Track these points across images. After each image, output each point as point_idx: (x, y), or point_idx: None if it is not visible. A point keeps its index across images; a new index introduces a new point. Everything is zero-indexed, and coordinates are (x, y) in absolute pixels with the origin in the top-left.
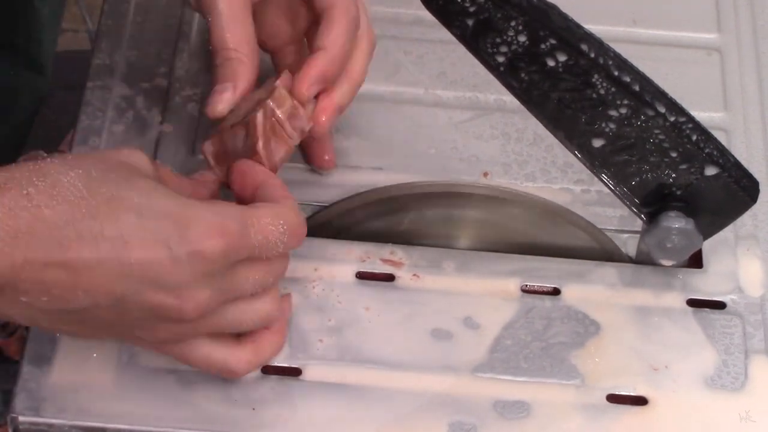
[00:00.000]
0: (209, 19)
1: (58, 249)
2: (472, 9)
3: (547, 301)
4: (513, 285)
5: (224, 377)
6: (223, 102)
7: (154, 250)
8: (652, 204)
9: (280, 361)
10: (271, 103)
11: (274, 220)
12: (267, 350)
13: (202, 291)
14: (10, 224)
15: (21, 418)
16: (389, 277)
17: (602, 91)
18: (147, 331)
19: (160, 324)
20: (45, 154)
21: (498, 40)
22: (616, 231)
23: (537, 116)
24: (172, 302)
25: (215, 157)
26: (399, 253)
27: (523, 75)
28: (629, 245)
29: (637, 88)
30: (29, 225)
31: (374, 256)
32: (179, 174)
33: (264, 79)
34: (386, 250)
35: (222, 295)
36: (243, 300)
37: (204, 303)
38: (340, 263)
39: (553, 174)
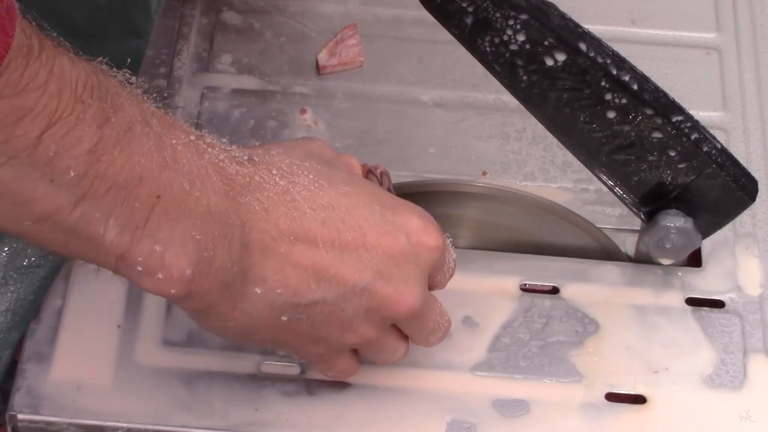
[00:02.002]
0: None
1: (306, 230)
2: (470, 8)
3: (546, 300)
4: (512, 284)
5: (433, 342)
6: None
7: (388, 240)
8: (651, 203)
9: (281, 361)
10: None
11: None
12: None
13: (419, 288)
14: (262, 196)
15: (20, 416)
16: None
17: (601, 91)
18: (349, 333)
19: (366, 322)
20: None
21: (497, 39)
22: (615, 230)
23: (536, 115)
24: (394, 296)
25: None
26: None
27: (521, 74)
28: (628, 244)
29: (635, 87)
30: (279, 202)
31: None
32: None
33: None
34: None
35: (426, 303)
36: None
37: (418, 302)
38: None
39: (552, 173)
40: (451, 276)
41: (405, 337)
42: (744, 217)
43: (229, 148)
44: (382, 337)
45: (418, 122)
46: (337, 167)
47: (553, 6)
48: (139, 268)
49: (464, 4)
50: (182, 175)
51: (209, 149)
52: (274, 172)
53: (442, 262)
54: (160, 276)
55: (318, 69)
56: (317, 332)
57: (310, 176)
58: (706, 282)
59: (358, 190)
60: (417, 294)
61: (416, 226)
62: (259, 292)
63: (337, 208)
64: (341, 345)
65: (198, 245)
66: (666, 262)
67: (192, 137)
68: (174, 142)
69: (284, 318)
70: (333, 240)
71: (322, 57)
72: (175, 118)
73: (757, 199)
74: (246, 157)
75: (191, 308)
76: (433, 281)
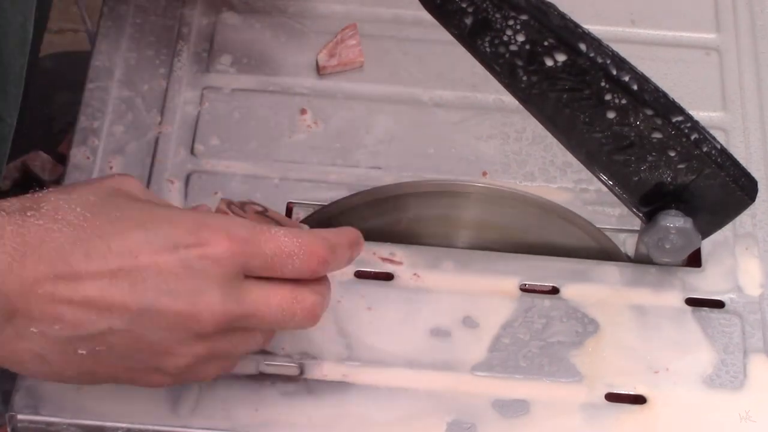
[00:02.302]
0: None
1: (68, 266)
2: (470, 9)
3: (546, 300)
4: (512, 284)
5: (304, 324)
6: None
7: (163, 257)
8: (651, 203)
9: (280, 361)
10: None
11: (288, 234)
12: (327, 288)
13: (215, 298)
14: (17, 242)
15: (20, 417)
16: (388, 277)
17: (601, 91)
18: (167, 357)
19: (177, 342)
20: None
21: (496, 39)
22: (615, 230)
23: (536, 116)
24: (188, 310)
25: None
26: (398, 252)
27: (521, 75)
28: (628, 244)
29: (635, 87)
30: (37, 245)
31: (373, 256)
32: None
33: None
34: (385, 250)
35: (239, 307)
36: (266, 331)
37: (219, 310)
38: None
39: (552, 173)
40: (305, 260)
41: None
42: (744, 218)
43: None
44: (219, 348)
45: (418, 122)
46: (123, 198)
47: (552, 6)
48: None
49: (464, 5)
50: None
51: None
52: (30, 215)
53: (247, 258)
54: None
55: (318, 69)
56: (131, 362)
57: (77, 210)
58: (706, 282)
59: (132, 213)
60: (214, 304)
61: (195, 239)
62: (35, 331)
63: (104, 236)
64: (176, 368)
65: None
66: (666, 262)
67: None
68: None
69: (81, 351)
70: (100, 269)
71: (322, 57)
72: None
73: (757, 199)
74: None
75: None
76: (267, 273)
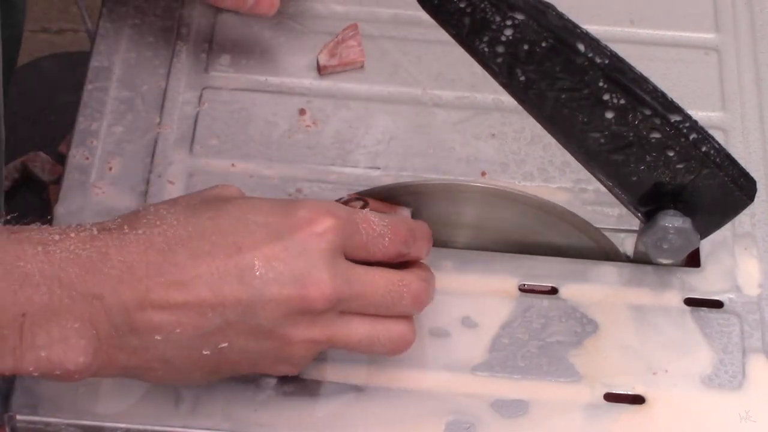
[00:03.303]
0: None
1: (177, 270)
2: (468, 9)
3: (545, 301)
4: (511, 284)
5: (394, 354)
6: None
7: (267, 244)
8: (650, 203)
9: None
10: None
11: (376, 215)
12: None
13: (324, 275)
14: (122, 259)
15: (19, 417)
16: None
17: (599, 91)
18: (287, 345)
19: (293, 327)
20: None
21: (495, 39)
22: (614, 230)
23: (534, 116)
24: (297, 292)
25: None
26: None
27: (520, 75)
28: (627, 244)
29: (634, 87)
30: (142, 253)
31: None
32: None
33: None
34: None
35: (348, 287)
36: (377, 316)
37: (329, 288)
38: None
39: (551, 173)
40: (392, 240)
41: (380, 318)
42: (743, 218)
43: (83, 229)
44: (337, 333)
45: (417, 122)
46: (220, 201)
47: (551, 6)
48: (36, 374)
49: (462, 5)
50: (37, 286)
51: (58, 247)
52: (127, 228)
53: (348, 236)
54: (58, 373)
55: (319, 69)
56: (254, 355)
57: (178, 216)
58: (704, 282)
59: (228, 208)
60: (323, 281)
61: (294, 220)
62: (159, 338)
63: (205, 233)
64: (298, 357)
65: (77, 332)
66: (665, 262)
67: (39, 248)
68: (21, 263)
69: (206, 351)
70: (206, 267)
71: (323, 57)
72: (24, 228)
73: (756, 199)
74: (96, 231)
75: (115, 375)
76: (363, 253)
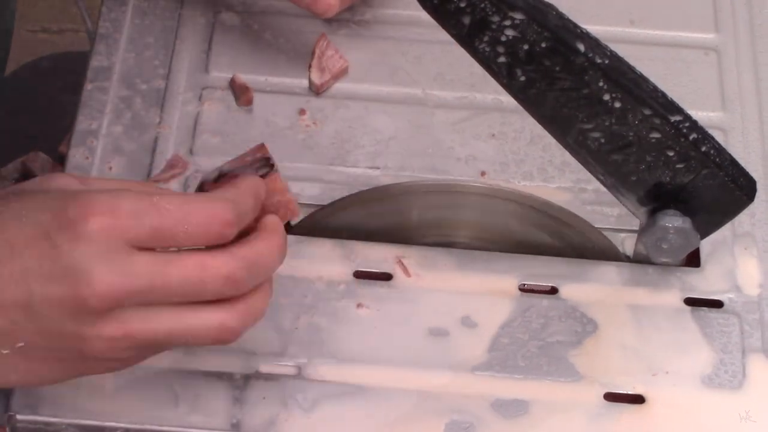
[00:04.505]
0: None
1: None
2: (468, 9)
3: (545, 300)
4: (511, 284)
5: (219, 343)
6: None
7: (34, 243)
8: (650, 203)
9: (279, 361)
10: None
11: (177, 201)
12: (259, 304)
13: (94, 272)
14: None
15: (19, 417)
16: (387, 277)
17: (599, 91)
18: (84, 342)
19: (82, 326)
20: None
21: (495, 39)
22: (614, 230)
23: (534, 115)
24: (70, 292)
25: None
26: (397, 252)
27: (519, 75)
28: (627, 244)
29: (634, 87)
30: None
31: (372, 256)
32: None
33: None
34: (384, 249)
35: (130, 281)
36: (187, 305)
37: (101, 285)
38: (338, 262)
39: (551, 173)
40: (197, 224)
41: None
42: (742, 217)
43: None
44: (136, 328)
45: (417, 122)
46: (32, 191)
47: (551, 6)
48: None
49: (462, 5)
50: None
51: None
52: None
53: (132, 227)
54: None
55: (316, 89)
56: (58, 353)
57: None
58: (704, 282)
59: (12, 203)
60: (95, 282)
61: (64, 218)
62: None
63: None
64: (100, 352)
65: None
66: (664, 262)
67: None
68: None
69: (5, 351)
70: None
71: (315, 76)
72: None
73: (756, 199)
74: None
75: None
76: (164, 243)
